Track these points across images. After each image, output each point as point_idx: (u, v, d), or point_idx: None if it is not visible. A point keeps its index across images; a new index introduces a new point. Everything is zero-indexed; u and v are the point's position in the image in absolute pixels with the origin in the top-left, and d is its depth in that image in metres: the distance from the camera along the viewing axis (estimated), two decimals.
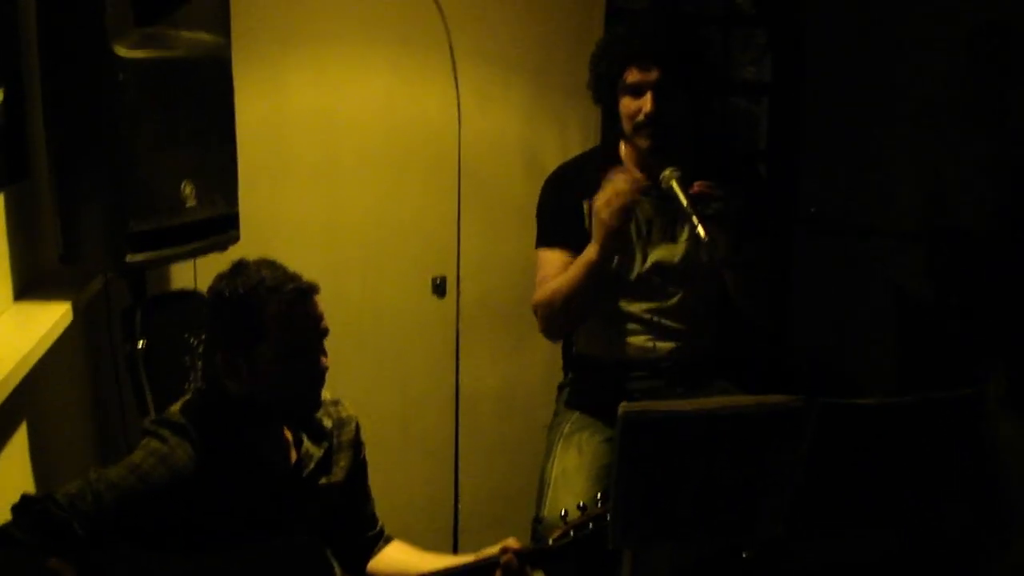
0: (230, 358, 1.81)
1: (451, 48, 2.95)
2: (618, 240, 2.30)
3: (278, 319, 1.78)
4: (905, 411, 1.69)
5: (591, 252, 2.32)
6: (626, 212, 2.25)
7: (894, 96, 3.52)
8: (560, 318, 2.45)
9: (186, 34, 2.24)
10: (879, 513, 1.78)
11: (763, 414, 1.64)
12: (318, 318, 1.85)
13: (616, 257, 2.37)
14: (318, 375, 1.86)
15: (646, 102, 2.33)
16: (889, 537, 2.04)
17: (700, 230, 2.14)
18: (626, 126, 2.39)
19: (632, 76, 2.33)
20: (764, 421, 1.64)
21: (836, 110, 3.71)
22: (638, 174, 2.43)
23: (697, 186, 2.19)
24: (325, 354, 1.87)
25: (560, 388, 2.69)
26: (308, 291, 1.83)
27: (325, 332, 1.87)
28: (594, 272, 2.32)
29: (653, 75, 2.31)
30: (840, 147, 3.73)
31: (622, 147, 2.51)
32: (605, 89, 2.42)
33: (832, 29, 3.67)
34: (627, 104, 2.37)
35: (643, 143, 2.37)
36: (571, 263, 2.39)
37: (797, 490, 1.70)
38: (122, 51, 2.04)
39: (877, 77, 3.60)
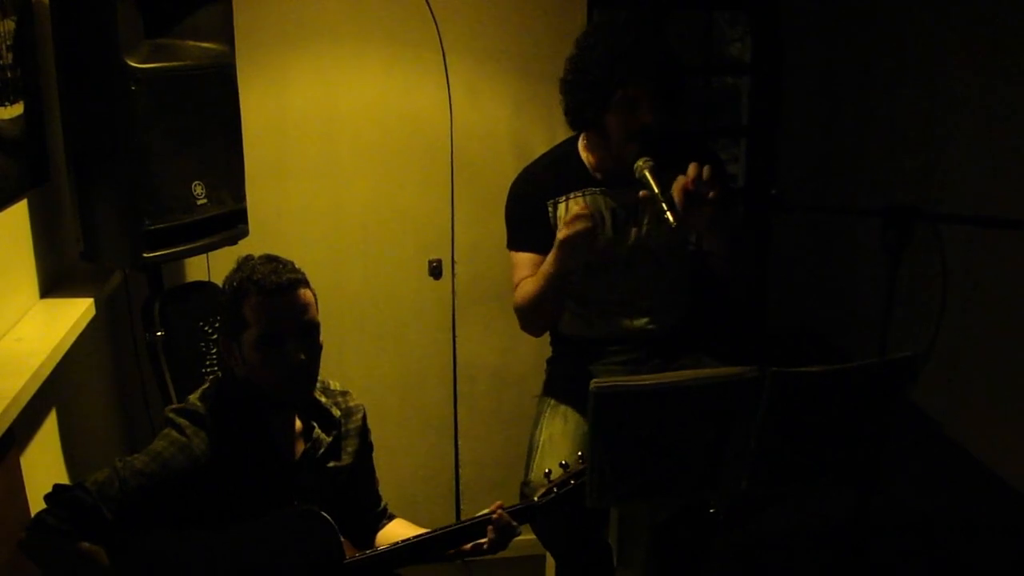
0: (227, 344, 1.94)
1: (441, 45, 3.03)
2: (575, 257, 2.35)
3: (255, 309, 1.87)
4: (847, 376, 1.80)
5: (550, 262, 2.38)
6: (583, 236, 2.29)
7: (871, 72, 3.55)
8: (533, 318, 2.54)
9: (193, 44, 2.32)
10: (830, 465, 1.90)
11: (721, 384, 1.74)
12: (298, 311, 1.90)
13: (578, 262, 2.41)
14: (293, 365, 1.89)
15: (645, 114, 2.36)
16: (843, 497, 2.16)
17: (669, 216, 2.19)
18: (618, 135, 2.42)
19: (631, 90, 2.35)
20: (722, 390, 1.74)
21: (815, 88, 3.74)
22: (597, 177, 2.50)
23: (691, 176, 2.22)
24: (307, 345, 1.91)
25: (549, 362, 2.80)
26: (288, 285, 1.88)
27: (307, 325, 1.91)
28: (553, 280, 2.39)
29: (651, 89, 2.35)
30: (818, 125, 3.79)
31: (581, 150, 2.57)
32: (596, 99, 2.40)
33: (811, 9, 3.70)
34: (622, 116, 2.38)
35: (632, 149, 2.39)
36: (540, 263, 2.45)
37: (757, 449, 1.80)
38: (133, 62, 2.13)
39: (854, 56, 3.63)
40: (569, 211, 2.35)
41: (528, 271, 2.52)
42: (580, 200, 2.52)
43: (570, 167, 2.57)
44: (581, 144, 2.59)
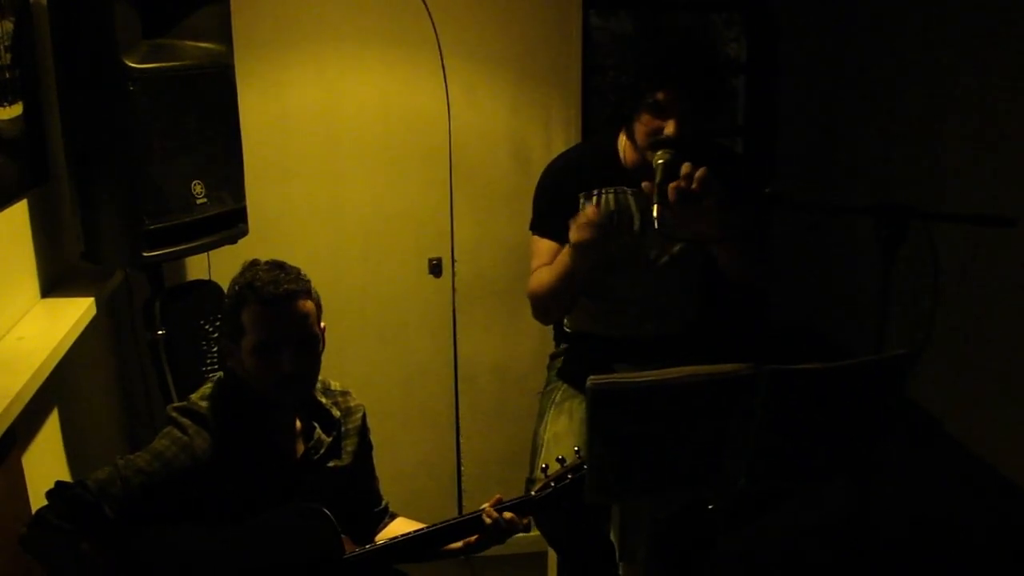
0: (228, 346, 1.96)
1: (439, 46, 3.05)
2: (586, 260, 2.31)
3: (252, 318, 1.89)
4: (843, 373, 1.79)
5: (563, 259, 2.36)
6: (591, 244, 2.26)
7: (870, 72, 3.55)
8: (545, 309, 2.52)
9: (191, 44, 2.33)
10: (827, 463, 1.90)
11: (717, 381, 1.72)
12: (295, 322, 1.90)
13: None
14: (285, 374, 1.90)
15: (670, 125, 2.32)
16: (842, 496, 2.16)
17: (654, 213, 2.14)
18: (642, 139, 2.39)
19: (662, 96, 2.32)
20: (718, 387, 1.73)
21: (811, 88, 3.76)
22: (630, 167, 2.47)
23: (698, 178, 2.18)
24: (302, 356, 1.91)
25: (552, 357, 2.78)
26: (286, 296, 1.88)
27: (304, 336, 1.92)
28: (565, 277, 2.38)
29: (681, 101, 2.31)
30: (815, 124, 3.79)
31: (620, 143, 2.53)
32: (632, 96, 2.39)
33: (806, 8, 3.70)
34: (648, 121, 2.36)
35: (652, 158, 2.33)
36: (559, 252, 2.42)
37: (755, 446, 1.79)
38: (132, 63, 2.13)
39: (851, 56, 3.63)
40: (585, 213, 2.32)
41: (547, 259, 2.49)
42: (608, 197, 2.50)
43: (607, 161, 2.53)
44: (621, 139, 2.55)
